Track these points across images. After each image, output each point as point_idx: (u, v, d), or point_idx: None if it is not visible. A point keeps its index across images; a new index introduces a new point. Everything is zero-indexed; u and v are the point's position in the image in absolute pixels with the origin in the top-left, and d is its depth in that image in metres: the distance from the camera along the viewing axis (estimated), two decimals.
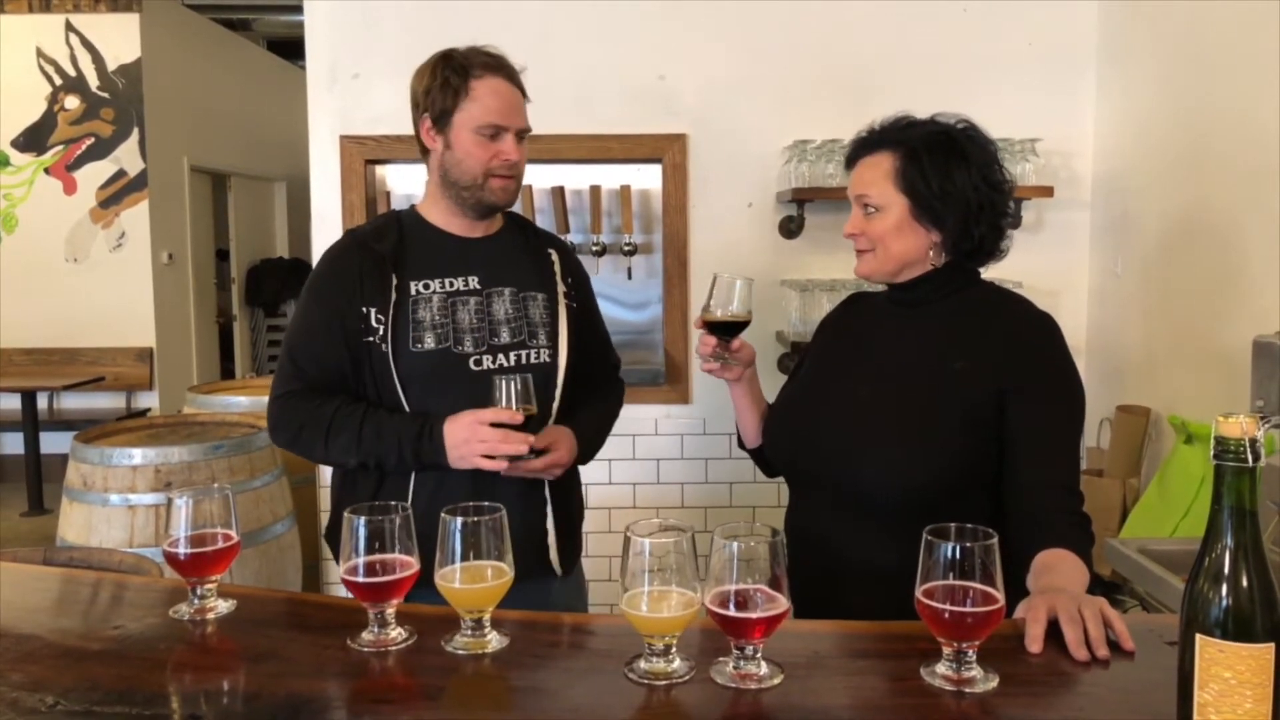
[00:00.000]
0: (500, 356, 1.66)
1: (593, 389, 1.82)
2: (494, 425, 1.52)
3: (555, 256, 1.79)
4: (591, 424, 1.76)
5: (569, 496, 1.77)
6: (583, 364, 1.77)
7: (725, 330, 1.53)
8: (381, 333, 1.61)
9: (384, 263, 1.64)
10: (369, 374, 1.63)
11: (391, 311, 1.62)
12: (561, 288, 1.76)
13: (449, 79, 1.63)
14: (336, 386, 1.64)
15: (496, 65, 1.65)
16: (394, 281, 1.63)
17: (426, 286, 1.66)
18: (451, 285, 1.67)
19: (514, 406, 1.52)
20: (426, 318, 1.64)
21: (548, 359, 1.70)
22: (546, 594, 1.71)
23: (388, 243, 1.67)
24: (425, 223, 1.72)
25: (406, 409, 1.62)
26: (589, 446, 1.74)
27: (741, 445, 1.73)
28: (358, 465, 1.62)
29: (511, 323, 1.69)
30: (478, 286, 1.68)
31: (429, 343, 1.63)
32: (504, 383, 1.52)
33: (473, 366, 1.64)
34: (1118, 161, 3.05)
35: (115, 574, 1.55)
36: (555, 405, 1.71)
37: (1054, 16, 3.13)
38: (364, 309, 1.62)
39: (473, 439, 1.52)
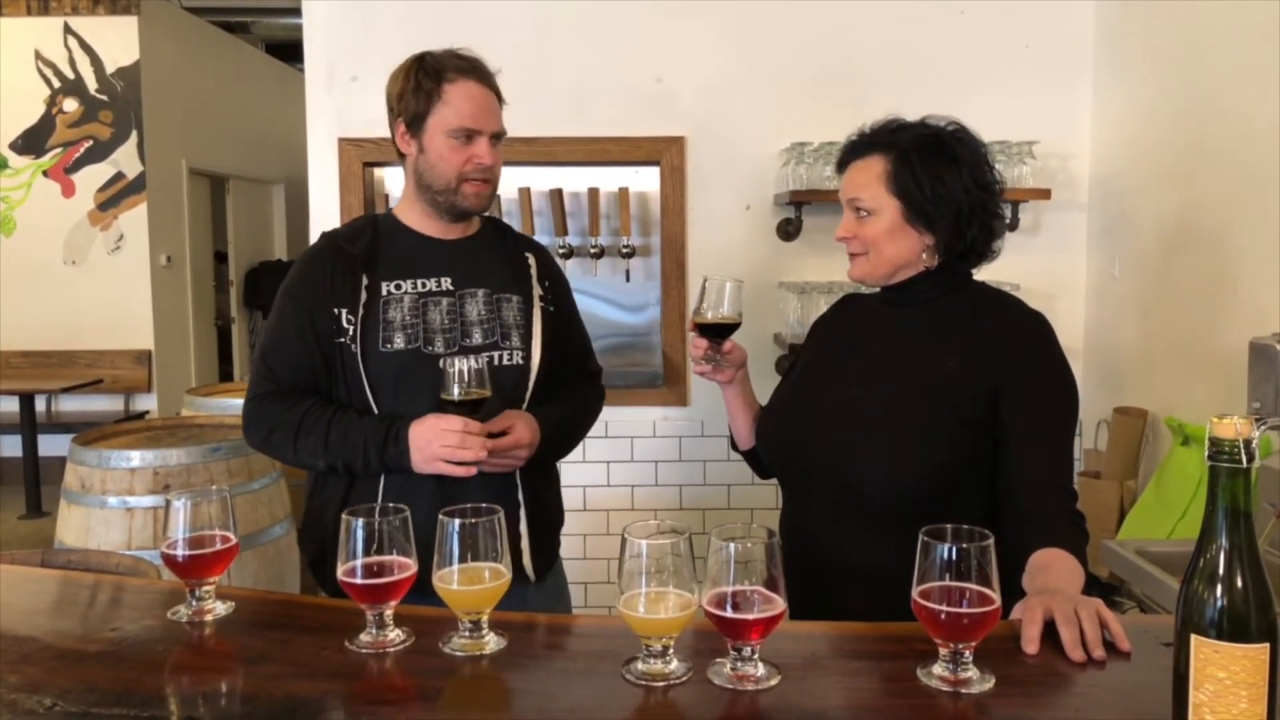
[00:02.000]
0: (471, 358, 1.62)
1: (567, 390, 1.79)
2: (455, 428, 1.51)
3: (532, 260, 1.78)
4: (556, 414, 1.71)
5: (543, 501, 1.74)
6: (558, 368, 1.75)
7: (716, 332, 1.54)
8: (351, 333, 1.61)
9: (355, 263, 1.64)
10: (340, 375, 1.62)
11: (361, 312, 1.61)
12: (538, 290, 1.75)
13: (421, 82, 1.62)
14: (309, 388, 1.63)
15: (470, 68, 1.64)
16: (364, 282, 1.63)
17: (398, 287, 1.65)
18: (424, 286, 1.66)
19: (468, 388, 1.51)
20: (397, 318, 1.63)
21: (520, 361, 1.69)
22: (522, 601, 1.65)
23: (360, 244, 1.67)
24: (400, 224, 1.72)
25: (375, 410, 1.61)
26: (554, 436, 1.69)
27: (734, 447, 1.73)
28: (326, 468, 1.62)
29: (484, 324, 1.68)
30: (450, 287, 1.67)
31: (398, 343, 1.62)
32: (454, 365, 1.51)
33: (443, 368, 1.62)
34: (1115, 163, 3.05)
35: (113, 576, 1.55)
36: (525, 408, 1.68)
37: (1051, 18, 3.13)
38: (335, 310, 1.62)
39: (434, 443, 1.52)
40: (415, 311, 1.64)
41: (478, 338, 1.66)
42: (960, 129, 1.48)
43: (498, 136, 1.67)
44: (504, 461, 1.60)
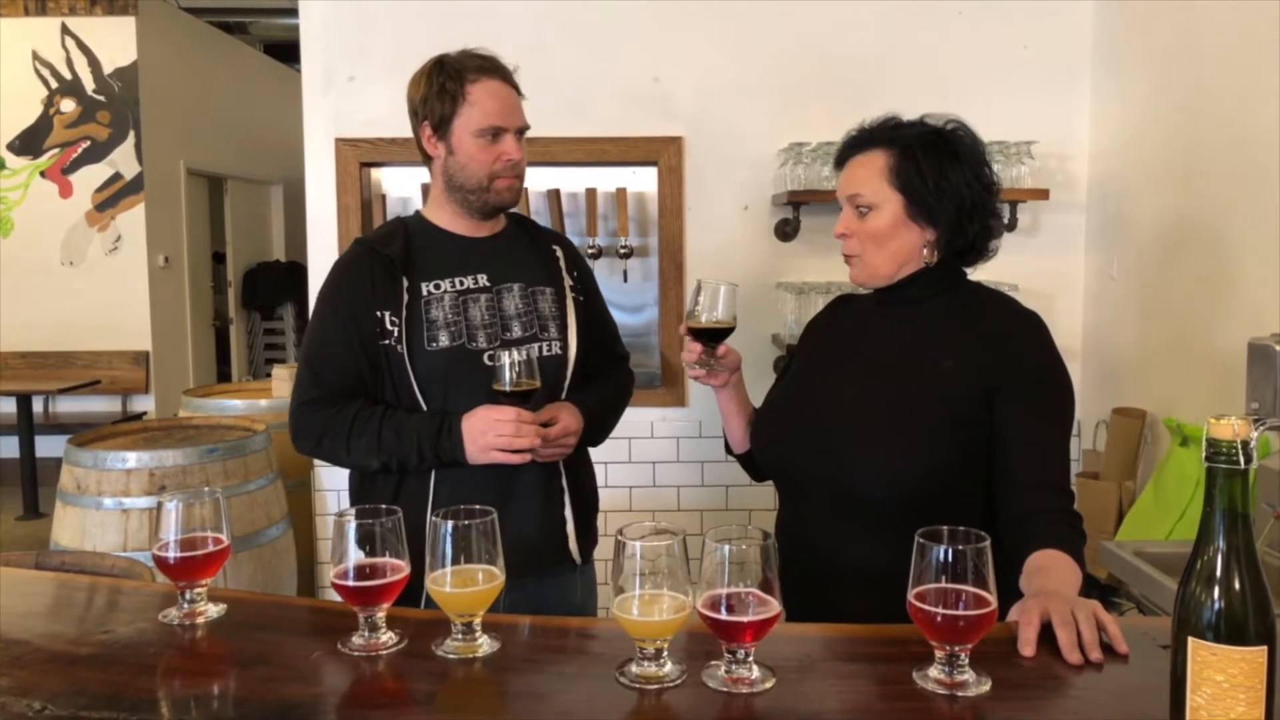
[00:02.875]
0: (519, 350, 1.67)
1: (600, 376, 1.83)
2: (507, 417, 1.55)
3: (559, 252, 1.82)
4: (594, 397, 1.76)
5: (583, 485, 1.79)
6: (592, 356, 1.79)
7: (710, 336, 1.53)
8: (396, 334, 1.64)
9: (393, 266, 1.67)
10: (386, 376, 1.65)
11: (405, 313, 1.64)
12: (568, 281, 1.79)
13: (445, 85, 1.65)
14: (355, 392, 1.66)
15: (491, 67, 1.67)
16: (405, 284, 1.66)
17: (437, 287, 1.68)
18: (461, 284, 1.70)
19: (518, 379, 1.55)
20: (439, 316, 1.66)
21: (558, 350, 1.73)
22: (563, 587, 1.74)
23: (395, 247, 1.69)
24: (431, 226, 1.74)
25: (424, 408, 1.64)
26: (595, 420, 1.74)
27: (729, 451, 1.73)
28: (380, 467, 1.64)
29: (522, 317, 1.71)
30: (487, 284, 1.71)
31: (443, 340, 1.65)
32: (505, 357, 1.55)
33: (487, 361, 1.66)
34: (1113, 164, 3.05)
35: (106, 578, 1.54)
36: (564, 396, 1.72)
37: (1049, 19, 3.13)
38: (378, 313, 1.64)
39: (489, 433, 1.55)
40: (456, 309, 1.67)
41: (517, 330, 1.70)
42: (961, 126, 1.48)
43: (523, 131, 1.70)
44: (554, 450, 1.64)
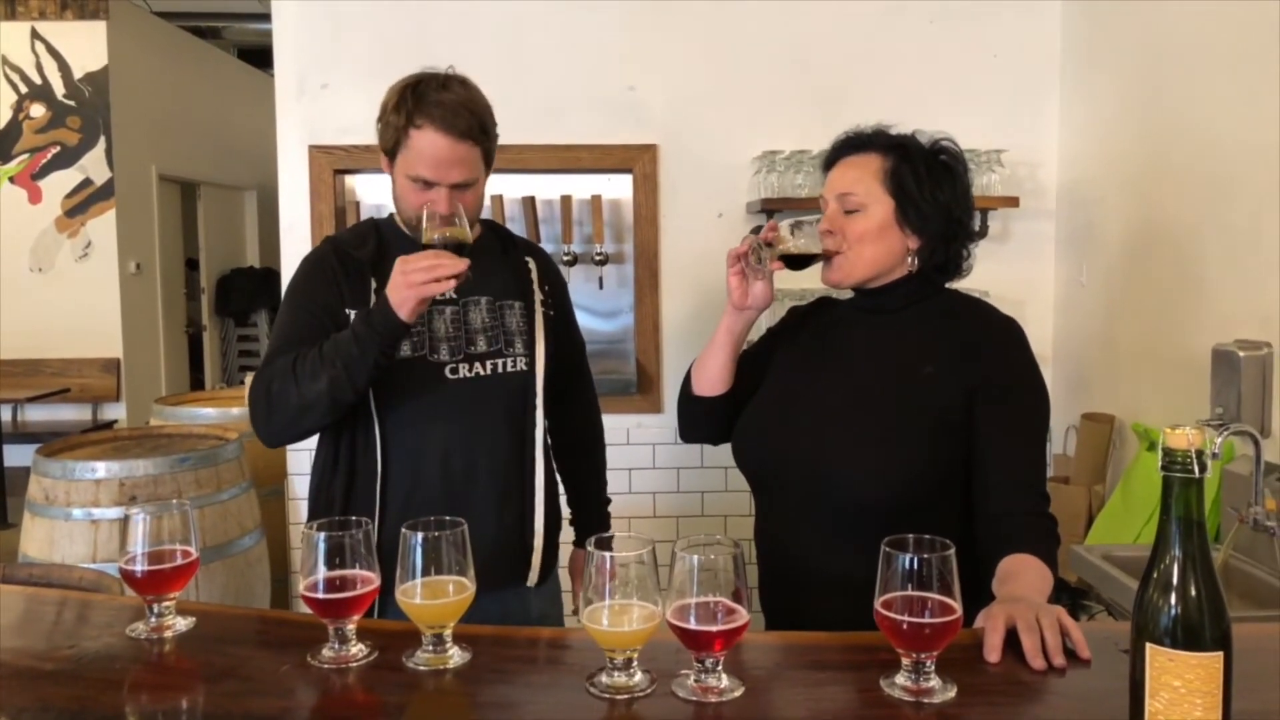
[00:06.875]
0: (476, 365, 1.66)
1: (568, 399, 1.82)
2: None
3: (533, 264, 1.79)
4: (598, 489, 1.99)
5: (547, 503, 1.76)
6: (560, 374, 1.77)
7: (792, 260, 1.47)
8: None
9: (364, 268, 1.64)
10: None
11: None
12: (539, 295, 1.76)
13: (391, 121, 1.60)
14: None
15: (442, 116, 1.56)
16: (373, 286, 1.63)
17: None
18: None
19: (449, 231, 1.49)
20: None
21: (524, 367, 1.70)
22: (523, 602, 1.71)
23: (367, 250, 1.67)
24: (402, 232, 1.72)
25: (376, 417, 1.62)
26: (604, 494, 1.99)
27: (683, 394, 1.64)
28: (329, 383, 1.51)
29: (488, 331, 1.68)
30: (453, 295, 1.66)
31: (405, 350, 1.61)
32: (431, 211, 1.51)
33: (448, 375, 1.64)
34: (1082, 172, 3.09)
35: (74, 592, 1.53)
36: (539, 414, 1.71)
37: (1018, 29, 3.17)
38: (347, 311, 1.62)
39: (409, 274, 1.44)
40: (420, 319, 1.62)
41: (482, 345, 1.67)
42: (954, 144, 1.51)
43: (464, 185, 1.61)
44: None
